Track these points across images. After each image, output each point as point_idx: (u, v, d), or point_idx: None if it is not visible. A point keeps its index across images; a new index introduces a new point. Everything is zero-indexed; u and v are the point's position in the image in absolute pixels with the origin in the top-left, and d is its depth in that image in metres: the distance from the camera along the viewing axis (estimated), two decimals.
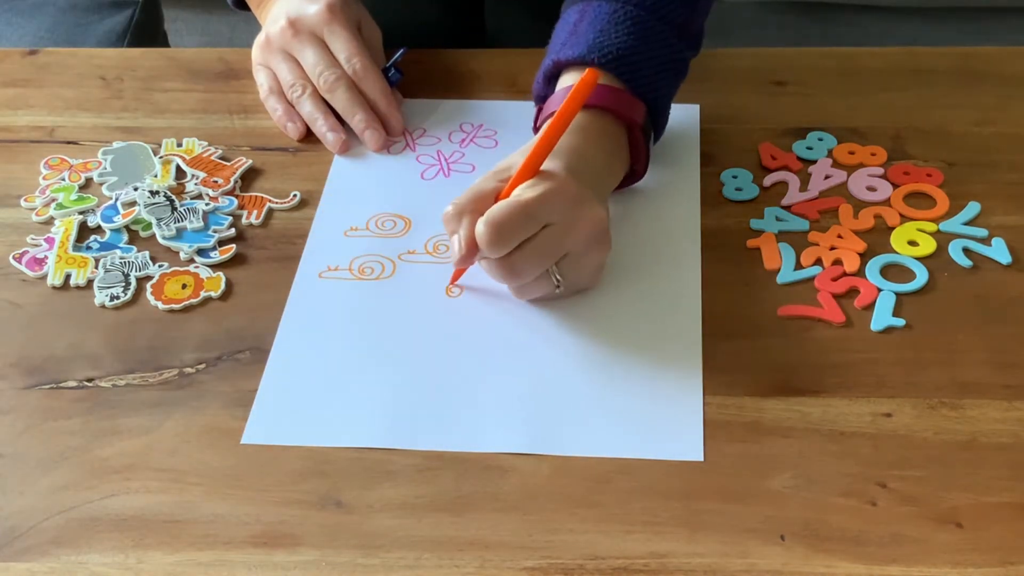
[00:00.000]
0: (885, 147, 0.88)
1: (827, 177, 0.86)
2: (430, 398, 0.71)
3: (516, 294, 0.76)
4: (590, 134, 0.78)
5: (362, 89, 0.90)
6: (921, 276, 0.78)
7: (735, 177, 0.86)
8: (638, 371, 0.72)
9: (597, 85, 0.75)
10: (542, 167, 0.74)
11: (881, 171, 0.86)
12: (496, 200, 0.74)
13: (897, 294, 0.76)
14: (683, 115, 0.91)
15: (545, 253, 0.73)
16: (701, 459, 0.67)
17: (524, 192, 0.72)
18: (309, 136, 0.91)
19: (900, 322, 0.75)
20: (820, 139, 0.89)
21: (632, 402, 0.71)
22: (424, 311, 0.77)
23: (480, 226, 0.71)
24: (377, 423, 0.70)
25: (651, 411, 0.70)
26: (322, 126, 0.89)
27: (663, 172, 0.86)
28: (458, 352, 0.74)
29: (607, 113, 0.79)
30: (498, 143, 0.90)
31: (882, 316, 0.75)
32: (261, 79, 0.93)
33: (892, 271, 0.79)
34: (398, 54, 0.92)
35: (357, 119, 0.89)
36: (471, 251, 0.73)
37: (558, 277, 0.74)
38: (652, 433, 0.69)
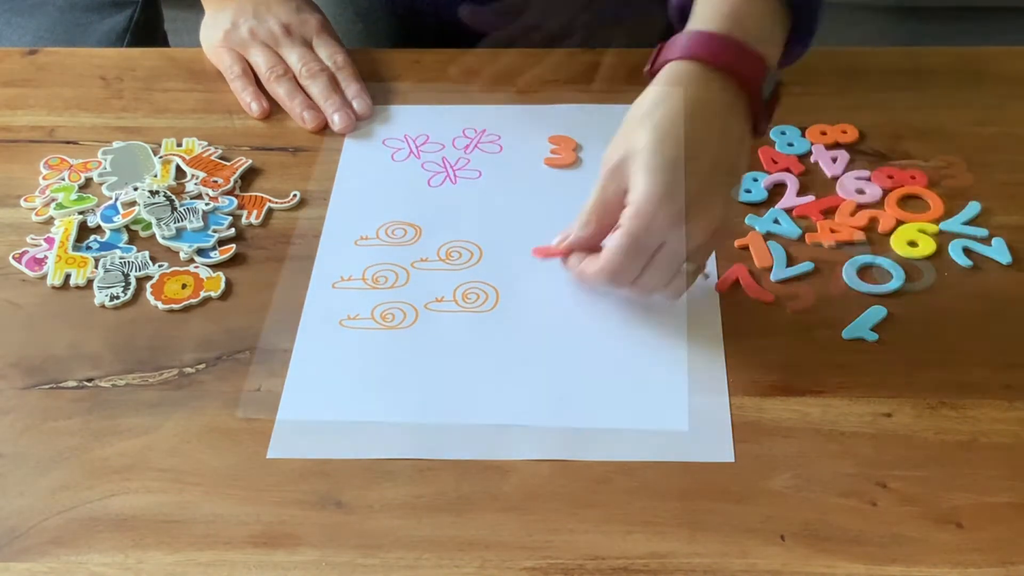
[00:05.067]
0: (885, 147, 0.88)
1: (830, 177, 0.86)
2: (453, 408, 0.71)
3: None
4: (705, 110, 0.72)
5: (339, 78, 0.94)
6: (897, 278, 0.77)
7: None
8: (661, 377, 0.72)
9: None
10: (653, 168, 0.70)
11: (874, 172, 0.86)
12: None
13: (881, 302, 0.76)
14: None
15: (667, 268, 0.71)
16: (732, 460, 0.67)
17: (629, 222, 0.70)
18: (294, 129, 0.91)
19: (874, 336, 0.74)
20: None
21: (658, 406, 0.70)
22: (440, 319, 0.76)
23: (596, 273, 0.73)
24: (401, 434, 0.69)
25: (677, 415, 0.70)
26: (299, 106, 0.92)
27: None
28: (480, 362, 0.74)
29: (720, 73, 0.73)
30: (503, 148, 0.90)
31: (859, 327, 0.74)
32: (228, 61, 0.95)
33: (870, 272, 0.78)
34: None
35: (330, 102, 0.92)
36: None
37: (688, 268, 0.72)
38: (680, 436, 0.69)
